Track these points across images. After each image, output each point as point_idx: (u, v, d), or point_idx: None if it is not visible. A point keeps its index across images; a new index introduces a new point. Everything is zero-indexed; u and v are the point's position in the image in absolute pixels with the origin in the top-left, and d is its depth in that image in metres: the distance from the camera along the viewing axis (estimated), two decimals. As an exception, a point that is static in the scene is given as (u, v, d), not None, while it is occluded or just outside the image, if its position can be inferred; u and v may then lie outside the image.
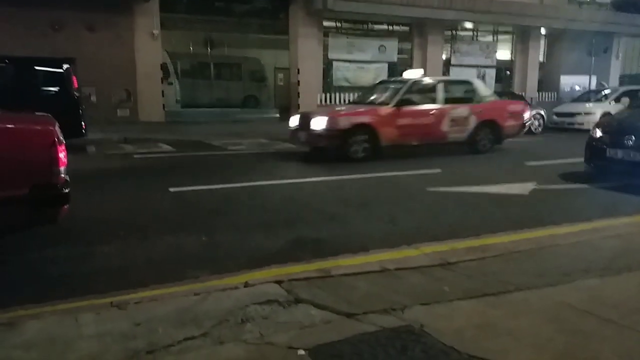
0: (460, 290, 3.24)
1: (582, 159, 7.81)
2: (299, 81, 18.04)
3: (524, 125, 11.53)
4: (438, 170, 8.49)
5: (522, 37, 22.71)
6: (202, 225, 5.08)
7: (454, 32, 21.56)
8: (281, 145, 11.80)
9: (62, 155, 3.79)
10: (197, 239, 4.65)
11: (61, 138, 3.87)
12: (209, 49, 18.38)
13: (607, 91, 17.66)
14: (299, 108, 18.12)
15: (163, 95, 16.14)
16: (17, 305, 3.13)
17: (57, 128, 3.91)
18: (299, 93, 18.11)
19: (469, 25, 21.59)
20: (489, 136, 10.76)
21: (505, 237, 4.56)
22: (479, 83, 12.08)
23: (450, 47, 21.48)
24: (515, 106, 11.68)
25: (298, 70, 18.00)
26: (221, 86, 18.92)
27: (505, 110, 11.20)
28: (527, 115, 11.63)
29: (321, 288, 3.27)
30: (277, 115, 18.78)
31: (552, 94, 22.92)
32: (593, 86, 20.70)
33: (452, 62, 21.47)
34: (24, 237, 4.39)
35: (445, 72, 21.27)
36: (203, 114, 17.53)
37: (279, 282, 3.34)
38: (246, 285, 3.30)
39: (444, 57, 21.24)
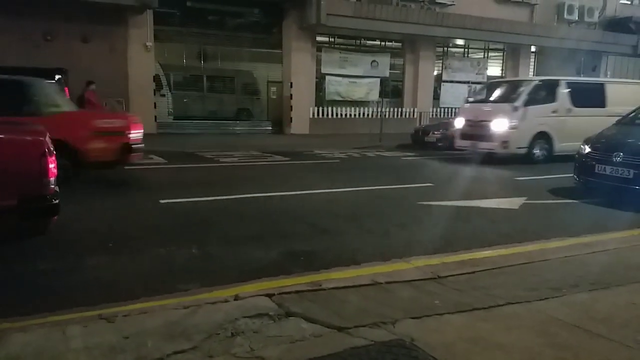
0: (451, 304, 3.24)
1: (571, 175, 7.90)
2: (291, 95, 18.13)
3: (128, 147, 7.72)
4: (430, 184, 8.53)
5: (513, 54, 23.05)
6: (193, 238, 5.05)
7: (445, 48, 21.84)
8: (272, 158, 11.82)
9: (52, 166, 3.77)
10: (187, 251, 4.63)
11: (52, 149, 3.85)
12: (202, 62, 18.43)
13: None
14: (291, 121, 18.20)
15: (155, 107, 16.13)
16: (2, 318, 3.08)
17: (47, 139, 3.90)
18: (291, 106, 18.19)
19: (460, 42, 21.89)
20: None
21: (496, 252, 4.59)
22: (41, 85, 7.85)
23: (442, 63, 21.74)
24: (108, 121, 7.94)
25: (291, 84, 18.10)
26: (214, 99, 18.95)
27: (87, 126, 7.63)
28: (135, 133, 7.89)
29: (312, 301, 3.25)
30: (270, 128, 18.83)
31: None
32: None
33: (444, 77, 21.72)
34: (12, 248, 4.33)
35: (437, 87, 21.52)
36: (196, 126, 17.53)
37: (269, 296, 3.32)
38: (236, 298, 3.27)
39: (435, 72, 21.47)
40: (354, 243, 4.98)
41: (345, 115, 19.22)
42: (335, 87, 19.43)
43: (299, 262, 4.33)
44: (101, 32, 14.72)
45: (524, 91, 11.54)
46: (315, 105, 18.76)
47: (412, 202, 6.98)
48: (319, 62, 18.95)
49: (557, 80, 12.08)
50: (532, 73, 24.10)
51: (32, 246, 4.44)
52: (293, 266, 4.19)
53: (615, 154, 6.99)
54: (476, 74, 22.30)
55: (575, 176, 7.75)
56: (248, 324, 2.90)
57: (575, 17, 23.12)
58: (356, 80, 19.76)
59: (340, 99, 19.52)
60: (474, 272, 3.91)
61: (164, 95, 17.19)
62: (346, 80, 19.56)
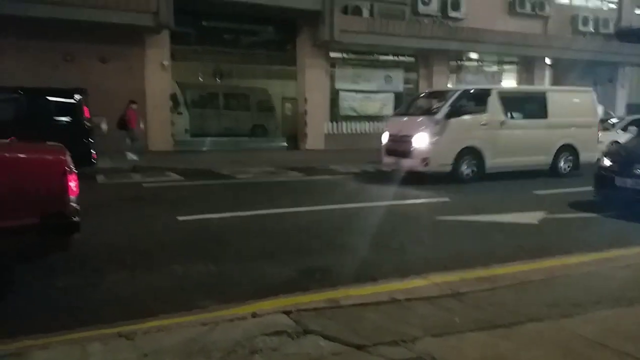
0: (471, 321, 3.19)
1: (590, 188, 7.77)
2: (306, 111, 18.22)
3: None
4: (447, 199, 8.47)
5: (527, 67, 22.93)
6: (210, 254, 5.07)
7: (459, 62, 21.83)
8: (288, 174, 11.86)
9: (72, 184, 3.83)
10: (205, 268, 4.64)
11: (72, 167, 3.92)
12: (218, 80, 18.67)
13: (614, 120, 17.67)
14: (306, 137, 18.27)
15: (172, 125, 16.33)
16: (25, 335, 3.12)
17: (68, 157, 3.97)
18: (306, 122, 18.27)
19: (473, 55, 21.87)
20: None
21: (516, 267, 4.52)
22: None
23: (456, 77, 21.71)
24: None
25: (305, 100, 18.20)
26: (230, 116, 19.14)
27: None
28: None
29: (330, 319, 3.23)
30: (285, 144, 18.92)
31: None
32: (600, 115, 20.72)
33: (458, 91, 21.64)
34: (33, 265, 4.39)
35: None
36: (212, 143, 17.69)
37: (287, 313, 3.30)
38: (254, 315, 3.27)
39: (449, 86, 21.45)
40: (370, 259, 4.95)
41: (360, 130, 19.23)
42: (349, 102, 19.49)
43: (316, 279, 4.31)
44: (119, 52, 15.02)
45: (448, 102, 10.21)
46: (330, 121, 18.82)
47: (429, 217, 6.92)
48: (332, 78, 19.05)
49: (488, 90, 10.89)
50: (547, 85, 23.92)
51: (53, 263, 4.49)
52: (309, 283, 4.17)
53: (636, 165, 6.88)
54: (491, 87, 22.21)
55: (595, 189, 7.63)
56: (266, 341, 2.89)
57: (590, 28, 22.98)
58: (370, 95, 19.80)
59: (355, 114, 19.56)
60: (493, 289, 3.85)
61: (180, 113, 17.42)
62: (360, 95, 19.61)
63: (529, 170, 10.92)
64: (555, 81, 24.14)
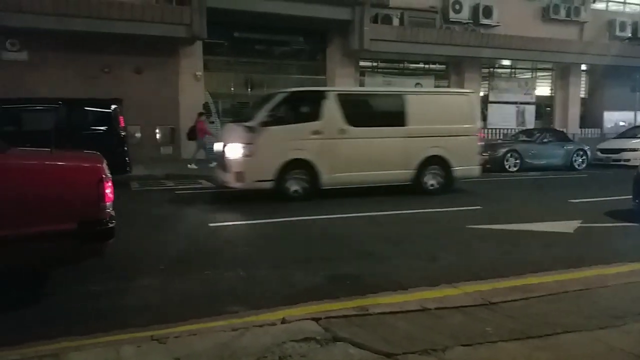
0: (503, 331, 3.12)
1: (628, 196, 7.51)
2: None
3: None
4: (478, 207, 8.33)
5: (562, 73, 22.44)
6: (240, 260, 5.12)
7: (491, 69, 21.53)
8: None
9: (108, 191, 3.95)
10: (234, 273, 4.69)
11: (108, 175, 4.04)
12: (249, 89, 18.94)
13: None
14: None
15: (204, 134, 16.67)
16: (61, 337, 3.22)
17: (104, 165, 4.09)
18: (336, 131, 18.34)
19: (506, 62, 21.54)
20: None
21: (551, 277, 4.39)
22: None
23: (488, 84, 21.41)
24: None
25: (335, 108, 18.29)
26: (260, 124, 19.37)
27: None
28: None
29: (359, 326, 3.21)
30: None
31: (596, 130, 22.35)
32: (639, 122, 20.08)
33: (490, 99, 21.35)
34: (71, 270, 4.52)
35: (484, 109, 21.23)
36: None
37: (316, 320, 3.30)
38: (283, 321, 3.28)
39: (481, 94, 21.18)
40: (400, 267, 4.91)
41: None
42: (378, 110, 19.46)
43: (345, 286, 4.30)
44: (154, 63, 15.44)
45: (267, 106, 8.80)
46: (359, 129, 18.82)
47: (460, 226, 6.82)
48: (362, 86, 19.09)
49: (323, 92, 9.30)
50: (583, 92, 23.34)
51: (88, 268, 4.62)
52: (338, 290, 4.16)
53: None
54: (524, 94, 21.82)
55: (634, 198, 7.37)
56: (295, 347, 2.89)
57: (628, 33, 22.32)
58: (400, 104, 19.72)
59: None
60: (527, 299, 3.75)
61: (212, 122, 17.72)
62: (390, 103, 19.56)
63: (388, 186, 9.45)
64: (592, 88, 23.55)
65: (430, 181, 9.71)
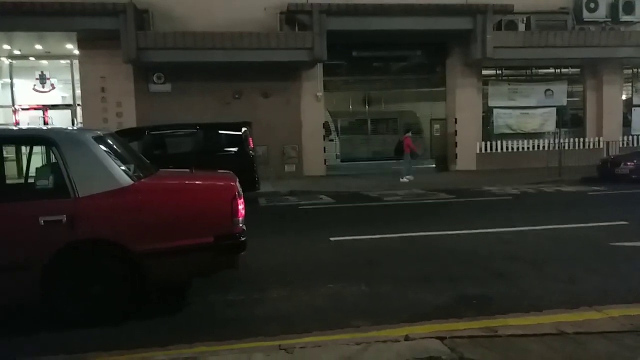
0: (659, 363, 2.75)
1: None
2: (456, 131, 17.73)
3: None
4: (624, 222, 7.47)
5: None
6: (362, 275, 5.16)
7: (635, 69, 19.30)
8: (437, 196, 11.57)
9: (241, 207, 4.26)
10: (357, 288, 4.74)
11: (240, 192, 4.36)
12: (366, 107, 19.15)
13: None
14: (456, 158, 17.71)
15: (325, 151, 17.16)
16: (199, 342, 3.51)
17: (237, 183, 4.43)
18: (456, 143, 17.76)
19: (653, 60, 19.17)
20: None
21: None
22: None
23: (632, 85, 19.22)
24: None
25: (455, 120, 17.73)
26: (378, 140, 19.42)
27: None
28: None
29: (488, 348, 3.06)
30: (434, 165, 18.56)
31: None
32: None
33: (635, 102, 19.13)
34: (207, 281, 4.91)
35: (628, 113, 19.09)
36: (361, 167, 18.13)
37: (440, 339, 3.21)
38: (407, 338, 3.24)
39: (624, 97, 19.07)
40: (533, 288, 4.57)
41: (517, 148, 18.03)
42: (504, 119, 18.46)
43: (471, 306, 4.12)
44: (279, 87, 16.37)
45: None
46: (482, 140, 18.01)
47: (603, 243, 6.17)
48: (485, 96, 18.26)
49: None
50: None
51: (224, 279, 4.98)
52: (464, 310, 4.00)
53: None
54: (677, 94, 19.20)
55: None
56: (419, 366, 2.84)
57: None
58: (528, 112, 18.51)
59: (511, 131, 18.42)
60: (689, 328, 3.27)
61: (332, 140, 18.22)
62: (517, 112, 18.45)
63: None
64: None
65: None
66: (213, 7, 15.24)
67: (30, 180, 4.88)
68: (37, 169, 4.50)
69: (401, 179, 14.77)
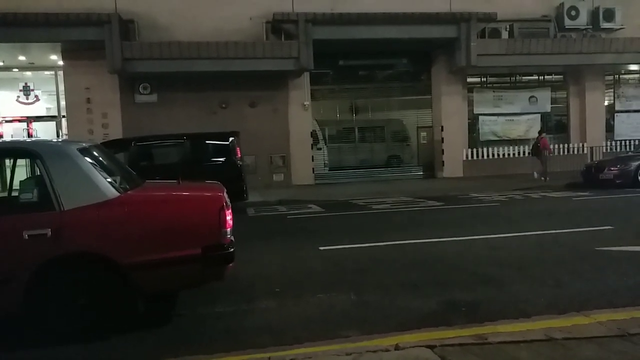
0: (647, 367, 2.78)
1: None
2: (442, 138, 17.88)
3: None
4: (609, 227, 7.56)
5: None
6: (351, 284, 5.15)
7: (616, 76, 19.67)
8: (425, 203, 11.63)
9: (229, 218, 4.23)
10: (346, 297, 4.73)
11: (228, 203, 4.33)
12: (354, 115, 19.25)
13: None
14: (443, 165, 17.84)
15: (312, 160, 17.18)
16: (189, 355, 3.47)
17: (224, 194, 4.41)
18: (443, 150, 17.90)
19: (634, 67, 19.54)
20: None
21: None
22: None
23: (614, 92, 19.57)
24: None
25: (442, 127, 17.89)
26: (365, 148, 19.53)
27: None
28: None
29: (478, 356, 3.06)
30: (421, 172, 18.69)
31: None
32: None
33: (617, 107, 19.48)
34: (195, 293, 4.86)
35: (610, 119, 19.43)
36: (349, 175, 18.20)
37: (430, 347, 3.21)
38: (397, 348, 3.23)
39: (606, 103, 19.41)
40: (521, 294, 4.60)
41: (503, 155, 18.25)
42: (490, 126, 18.68)
43: (460, 313, 4.13)
44: (266, 96, 16.38)
45: None
46: (469, 147, 18.18)
47: (589, 248, 6.24)
48: (470, 103, 18.46)
49: None
50: None
51: (211, 291, 4.93)
52: (454, 317, 4.01)
53: None
54: (658, 100, 19.58)
55: None
56: (410, 375, 2.83)
57: None
58: (513, 118, 18.76)
59: (497, 138, 18.65)
60: (675, 331, 3.31)
61: (320, 149, 18.25)
62: (502, 118, 18.69)
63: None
64: None
65: None
66: (199, 17, 15.25)
67: (15, 194, 4.81)
68: (21, 182, 4.43)
69: (535, 176, 15.24)
